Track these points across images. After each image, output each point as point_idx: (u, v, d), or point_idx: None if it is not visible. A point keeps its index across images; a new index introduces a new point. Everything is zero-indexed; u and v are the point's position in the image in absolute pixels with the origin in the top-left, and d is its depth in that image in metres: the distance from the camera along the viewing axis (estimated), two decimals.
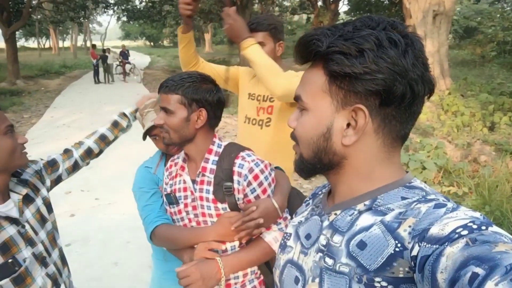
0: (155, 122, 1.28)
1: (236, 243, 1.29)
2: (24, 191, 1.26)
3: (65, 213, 4.08)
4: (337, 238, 0.66)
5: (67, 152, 1.53)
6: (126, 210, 3.93)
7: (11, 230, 1.16)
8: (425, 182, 4.21)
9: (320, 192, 0.86)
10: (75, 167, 1.54)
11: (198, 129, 1.26)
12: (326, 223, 0.71)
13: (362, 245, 0.61)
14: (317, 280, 0.67)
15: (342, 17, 26.26)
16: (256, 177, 1.25)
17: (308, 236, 0.75)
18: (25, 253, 1.19)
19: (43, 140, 7.17)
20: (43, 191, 1.36)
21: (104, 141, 1.65)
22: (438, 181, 4.29)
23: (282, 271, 0.79)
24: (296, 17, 38.03)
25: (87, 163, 1.60)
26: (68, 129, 8.19)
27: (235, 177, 1.24)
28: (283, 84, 1.62)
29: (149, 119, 1.55)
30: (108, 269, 3.15)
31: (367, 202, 0.66)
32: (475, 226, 0.50)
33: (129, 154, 4.97)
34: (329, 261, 0.66)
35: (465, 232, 0.49)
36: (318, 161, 0.69)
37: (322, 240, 0.69)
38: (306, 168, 0.72)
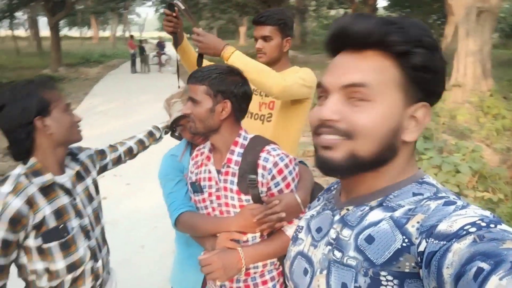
0: (183, 111, 1.32)
1: (257, 234, 1.31)
2: (77, 167, 1.39)
3: None
4: (346, 232, 0.67)
5: (112, 146, 1.68)
6: (154, 196, 4.03)
7: (65, 200, 1.29)
8: (458, 186, 4.08)
9: (333, 188, 0.86)
10: (118, 161, 1.69)
11: (223, 120, 1.28)
12: (337, 217, 0.72)
13: (370, 239, 0.62)
14: (324, 272, 0.68)
15: (380, 12, 25.59)
16: (280, 172, 1.26)
17: (319, 230, 0.76)
18: (74, 222, 1.30)
19: (81, 127, 7.46)
20: (94, 173, 1.50)
21: (142, 145, 1.79)
22: (472, 186, 4.13)
23: (292, 263, 0.80)
24: (333, 12, 37.37)
25: (125, 161, 1.74)
26: (105, 117, 8.48)
27: (260, 170, 1.26)
28: (277, 83, 1.60)
29: (176, 109, 1.59)
30: (134, 252, 3.27)
31: (380, 199, 0.67)
32: (483, 224, 0.50)
33: (161, 144, 5.08)
34: (338, 254, 0.67)
35: (473, 229, 0.49)
36: (378, 158, 0.64)
37: (332, 234, 0.71)
38: (354, 166, 0.64)
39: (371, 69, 0.63)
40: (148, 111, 8.54)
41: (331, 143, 0.64)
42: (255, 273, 1.32)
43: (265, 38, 1.85)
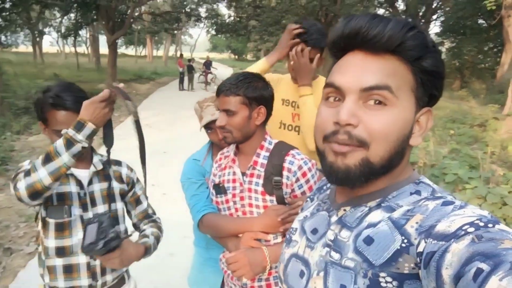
0: (217, 124, 1.37)
1: (279, 235, 1.35)
2: (100, 167, 1.45)
3: None
4: (345, 233, 0.66)
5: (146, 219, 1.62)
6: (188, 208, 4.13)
7: (73, 188, 1.38)
8: (504, 219, 3.81)
9: (326, 187, 0.85)
10: (134, 225, 1.63)
11: (258, 125, 1.36)
12: (334, 218, 0.71)
13: (369, 240, 0.61)
14: (321, 273, 0.67)
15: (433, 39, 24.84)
16: (304, 174, 1.32)
17: (314, 231, 0.75)
18: (75, 210, 1.37)
19: (126, 137, 7.82)
20: (124, 185, 1.54)
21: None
22: None
23: (286, 265, 0.79)
24: None
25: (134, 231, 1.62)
26: (150, 129, 8.84)
27: (285, 173, 1.32)
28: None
29: (209, 112, 1.65)
30: (164, 259, 3.34)
31: (378, 199, 0.66)
32: (481, 224, 0.49)
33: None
34: (335, 256, 0.66)
35: (471, 229, 0.49)
36: (389, 163, 0.63)
37: (330, 235, 0.69)
38: (366, 173, 0.63)
39: (391, 72, 0.61)
40: (190, 126, 8.81)
41: (345, 150, 0.62)
42: (276, 272, 1.35)
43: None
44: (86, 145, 1.16)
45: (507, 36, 8.84)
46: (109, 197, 1.47)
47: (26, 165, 1.29)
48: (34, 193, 1.15)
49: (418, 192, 0.64)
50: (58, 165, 1.14)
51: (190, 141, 7.46)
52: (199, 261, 1.77)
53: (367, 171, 0.62)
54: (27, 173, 1.16)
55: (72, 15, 21.40)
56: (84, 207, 1.39)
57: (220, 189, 1.43)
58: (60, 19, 28.66)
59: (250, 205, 1.37)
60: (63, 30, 31.42)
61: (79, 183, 1.39)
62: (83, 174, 1.41)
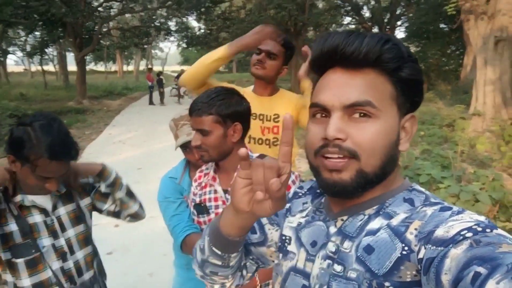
0: (192, 144, 1.32)
1: None
2: (63, 190, 1.37)
3: (109, 223, 4.26)
4: (347, 244, 0.65)
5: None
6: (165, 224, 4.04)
7: (37, 218, 1.30)
8: None
9: (318, 191, 0.83)
10: (114, 215, 1.56)
11: (235, 142, 1.31)
12: (333, 229, 0.69)
13: (369, 249, 0.61)
14: (325, 287, 0.65)
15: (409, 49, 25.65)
16: (288, 188, 1.26)
17: (313, 243, 0.72)
18: (45, 241, 1.30)
19: (99, 155, 7.63)
20: (87, 199, 1.46)
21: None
22: (493, 216, 3.96)
23: (285, 279, 0.76)
24: None
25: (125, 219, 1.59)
26: (123, 146, 8.66)
27: None
28: None
29: (184, 132, 1.60)
30: (143, 279, 3.24)
31: (375, 207, 0.66)
32: (479, 229, 0.50)
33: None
34: (338, 268, 0.65)
35: (469, 234, 0.49)
36: (383, 171, 0.64)
37: (331, 247, 0.68)
38: (363, 183, 0.64)
39: (371, 86, 0.64)
40: (164, 141, 8.70)
41: (340, 166, 0.63)
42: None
43: (271, 55, 1.82)
44: None
45: (468, 39, 9.26)
46: (78, 218, 1.40)
47: None
48: None
49: (410, 200, 0.64)
50: None
51: (165, 157, 7.37)
52: (179, 282, 1.72)
53: (363, 182, 0.64)
54: None
55: (38, 33, 20.88)
56: (54, 235, 1.33)
57: (202, 208, 1.39)
58: (24, 37, 27.89)
59: None
60: (28, 48, 30.59)
61: (43, 211, 1.32)
62: (45, 200, 1.33)
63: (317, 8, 19.80)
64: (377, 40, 0.62)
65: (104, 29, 19.62)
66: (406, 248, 0.57)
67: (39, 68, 32.49)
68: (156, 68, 42.53)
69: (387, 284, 0.57)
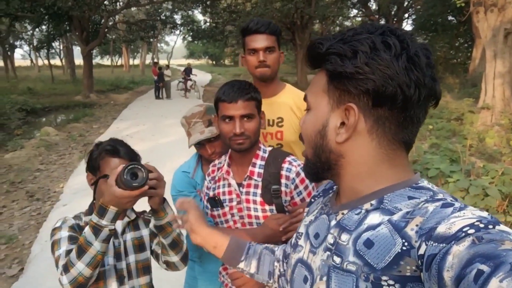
0: (237, 131, 1.27)
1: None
2: (133, 216, 1.44)
3: None
4: (344, 237, 0.67)
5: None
6: None
7: None
8: (487, 210, 3.90)
9: (331, 191, 0.86)
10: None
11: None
12: (333, 222, 0.72)
13: (369, 243, 0.62)
14: (324, 278, 0.68)
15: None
16: (302, 181, 1.30)
17: (316, 236, 0.76)
18: (110, 260, 1.34)
19: None
20: (148, 230, 1.47)
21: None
22: (502, 210, 3.94)
23: (293, 270, 0.80)
24: None
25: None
26: (131, 140, 8.70)
27: (283, 181, 1.30)
28: None
29: (197, 130, 1.58)
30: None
31: (373, 202, 0.67)
32: (482, 225, 0.50)
33: None
34: (337, 260, 0.66)
35: (471, 231, 0.49)
36: (318, 159, 0.72)
37: (330, 239, 0.70)
38: (310, 169, 0.75)
39: (313, 83, 0.74)
40: (171, 135, 8.73)
41: (303, 151, 0.77)
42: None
43: (268, 49, 1.65)
44: (113, 227, 1.16)
45: (477, 31, 9.13)
46: (141, 246, 1.43)
47: (61, 252, 1.25)
48: (79, 286, 1.17)
49: (414, 197, 0.64)
50: (92, 255, 1.15)
51: (172, 150, 7.39)
52: (192, 275, 1.73)
53: (308, 167, 0.75)
54: (65, 269, 1.17)
55: (44, 27, 20.97)
56: (118, 257, 1.37)
57: (215, 202, 1.40)
58: (31, 31, 28.04)
59: (249, 216, 1.33)
60: (35, 42, 30.76)
61: (114, 232, 1.33)
62: (118, 224, 1.38)
63: (323, 0, 19.59)
64: (317, 39, 0.70)
65: (110, 23, 19.64)
66: (406, 243, 0.57)
67: (46, 62, 32.67)
68: (162, 62, 42.39)
69: (384, 278, 0.58)
